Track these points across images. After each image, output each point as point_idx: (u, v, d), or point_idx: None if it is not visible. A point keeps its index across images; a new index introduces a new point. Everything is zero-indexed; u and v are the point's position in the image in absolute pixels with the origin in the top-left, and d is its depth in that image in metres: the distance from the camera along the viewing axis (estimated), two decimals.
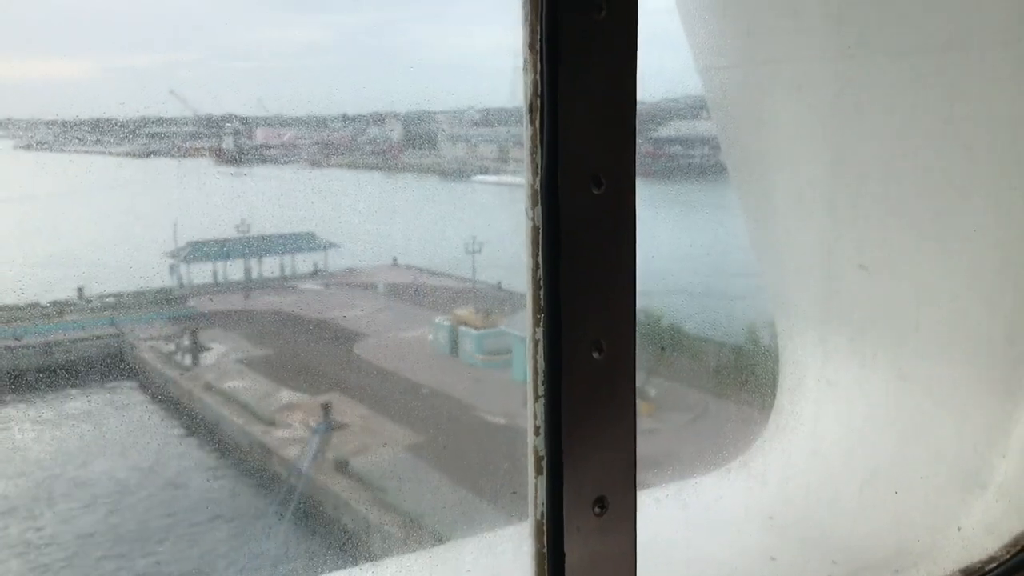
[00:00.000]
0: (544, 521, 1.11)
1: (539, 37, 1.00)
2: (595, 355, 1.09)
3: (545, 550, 1.11)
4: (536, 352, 1.08)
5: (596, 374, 1.09)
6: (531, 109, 1.04)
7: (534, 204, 1.06)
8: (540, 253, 1.07)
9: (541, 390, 1.08)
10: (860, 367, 1.96)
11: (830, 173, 1.90)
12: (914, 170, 1.79)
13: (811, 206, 1.95)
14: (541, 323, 1.07)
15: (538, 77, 1.02)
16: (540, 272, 1.07)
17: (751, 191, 2.09)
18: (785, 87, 1.89)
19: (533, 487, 1.11)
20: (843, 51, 1.77)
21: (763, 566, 1.79)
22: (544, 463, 1.10)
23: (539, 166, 1.04)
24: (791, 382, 2.09)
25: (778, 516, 1.94)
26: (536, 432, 1.09)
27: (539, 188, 1.04)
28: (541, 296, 1.07)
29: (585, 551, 1.11)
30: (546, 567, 1.12)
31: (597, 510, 1.11)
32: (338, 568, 1.65)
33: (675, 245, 10.59)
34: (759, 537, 1.87)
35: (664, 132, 11.30)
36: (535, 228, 1.07)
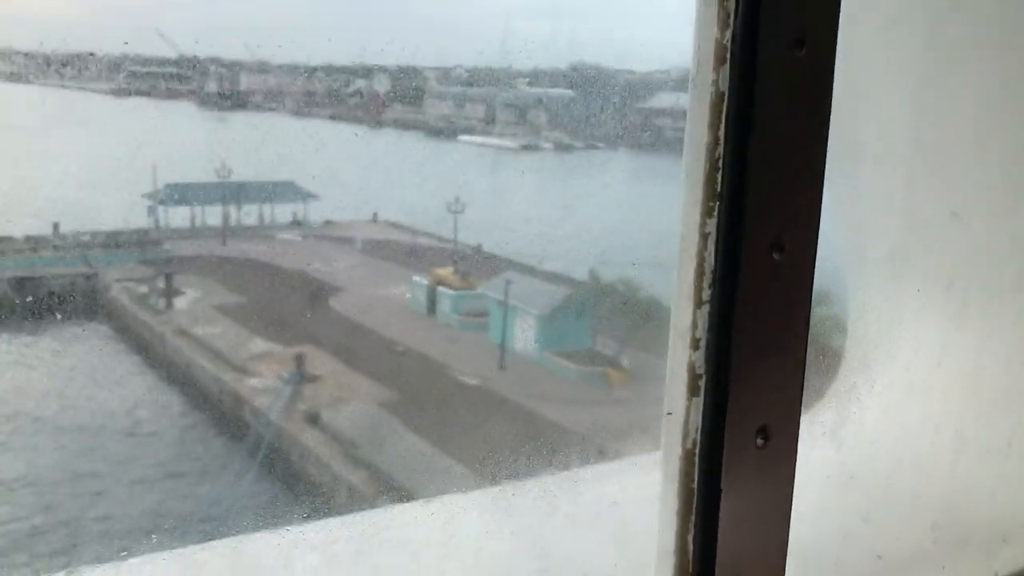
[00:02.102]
0: (697, 451, 0.93)
1: None
2: (775, 255, 0.89)
3: (695, 485, 0.94)
4: (704, 248, 0.89)
5: (774, 278, 0.90)
6: None
7: (720, 62, 0.86)
8: (724, 124, 0.87)
9: (706, 294, 0.90)
10: (945, 324, 1.79)
11: (919, 111, 1.70)
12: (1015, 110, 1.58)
13: (896, 147, 1.75)
14: (715, 212, 0.88)
15: None
16: (720, 149, 0.87)
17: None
18: (876, 20, 1.69)
19: (684, 411, 0.93)
20: None
21: (858, 527, 1.66)
22: (703, 383, 0.91)
23: (731, 15, 0.85)
24: (862, 340, 1.93)
25: (860, 476, 1.81)
26: (694, 345, 0.90)
27: (728, 43, 0.85)
28: (719, 179, 0.87)
29: (743, 487, 0.94)
30: (695, 504, 0.94)
31: (760, 441, 0.93)
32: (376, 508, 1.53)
33: (661, 218, 10.58)
34: (845, 497, 1.73)
35: (653, 103, 11.23)
36: (718, 93, 0.87)
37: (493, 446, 8.23)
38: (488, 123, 10.73)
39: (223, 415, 7.69)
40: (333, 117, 10.27)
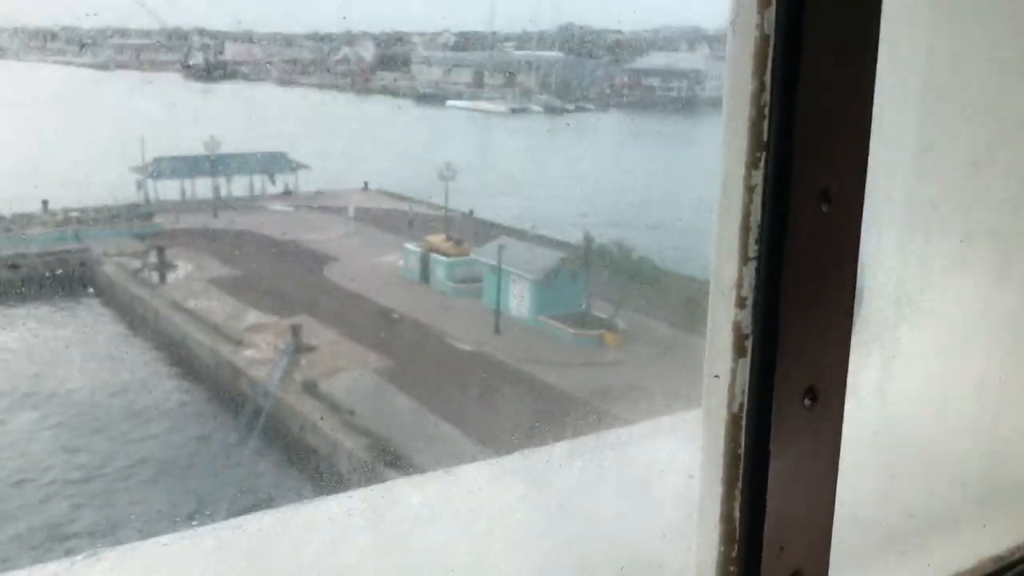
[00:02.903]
0: (744, 413, 0.88)
1: None
2: (823, 207, 0.84)
3: (742, 449, 0.89)
4: (750, 201, 0.83)
5: (822, 231, 0.84)
6: None
7: (765, 5, 0.79)
8: (770, 69, 0.81)
9: (752, 250, 0.84)
10: (963, 276, 1.74)
11: (934, 57, 1.63)
12: None
13: (912, 93, 1.69)
14: (761, 163, 0.82)
15: None
16: (766, 95, 0.81)
17: None
18: None
19: (730, 372, 0.88)
20: None
21: (886, 484, 1.61)
22: (750, 343, 0.86)
23: None
24: (878, 294, 1.87)
25: (883, 433, 1.74)
26: (740, 304, 0.85)
27: None
28: (764, 128, 0.81)
29: (791, 451, 0.89)
30: (742, 467, 0.89)
31: (807, 401, 0.89)
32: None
33: (653, 179, 10.58)
34: (869, 454, 1.66)
35: (642, 63, 11.16)
36: (763, 37, 0.80)
37: (490, 411, 8.27)
38: (477, 88, 10.67)
39: (220, 387, 7.69)
40: (320, 85, 10.19)
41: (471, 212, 10.66)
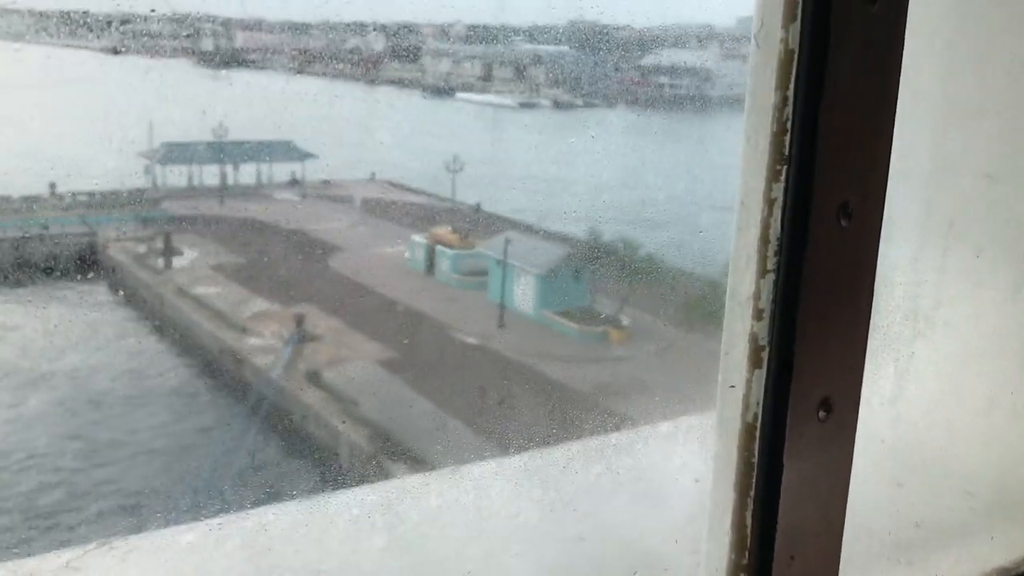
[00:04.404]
0: (758, 424, 0.89)
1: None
2: (843, 222, 0.85)
3: (755, 459, 0.90)
4: (770, 214, 0.84)
5: (841, 246, 0.86)
6: None
7: (790, 19, 0.80)
8: (793, 82, 0.82)
9: (771, 262, 0.85)
10: (978, 291, 1.74)
11: (953, 71, 1.62)
12: None
13: (928, 105, 1.68)
14: (782, 176, 0.83)
15: None
16: (789, 109, 0.82)
17: None
18: None
19: (746, 383, 0.90)
20: None
21: (891, 491, 1.62)
22: (766, 354, 0.87)
23: None
24: (893, 307, 1.87)
25: (890, 440, 1.76)
26: (757, 315, 0.86)
27: None
28: (787, 142, 0.83)
29: (804, 462, 0.90)
30: (755, 477, 0.90)
31: (822, 414, 0.90)
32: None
33: (658, 177, 10.54)
34: (876, 460, 1.67)
35: (652, 60, 11.12)
36: (787, 51, 0.81)
37: (493, 405, 8.27)
38: (486, 81, 10.65)
39: (223, 375, 7.71)
40: (330, 75, 10.16)
41: (478, 205, 10.65)
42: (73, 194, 7.25)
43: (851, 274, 0.87)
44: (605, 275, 10.09)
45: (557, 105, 10.53)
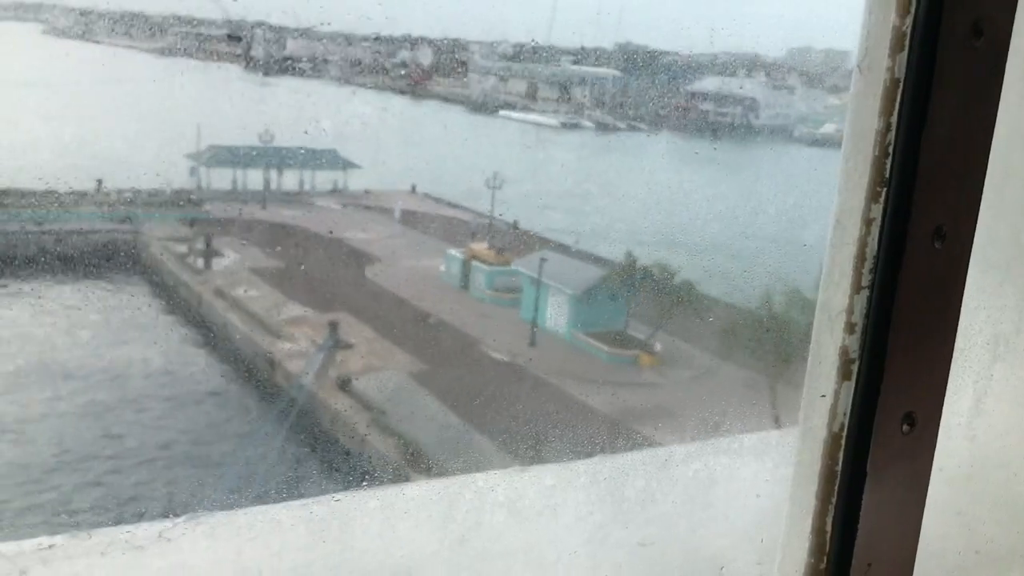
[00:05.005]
0: (844, 434, 0.93)
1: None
2: (936, 244, 0.89)
3: (839, 467, 0.94)
4: (867, 233, 0.89)
5: (934, 267, 0.90)
6: None
7: (898, 50, 0.84)
8: (897, 110, 0.86)
9: (866, 279, 0.89)
10: (1000, 310, 1.74)
11: None
12: None
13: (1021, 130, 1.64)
14: (882, 198, 0.87)
15: None
16: (892, 135, 0.87)
17: None
18: None
19: (834, 393, 0.93)
20: None
21: (953, 520, 1.63)
22: (856, 367, 0.91)
23: (912, 1, 0.85)
24: (976, 331, 1.85)
25: (947, 469, 1.73)
26: (849, 329, 0.91)
27: (908, 30, 0.84)
28: (888, 166, 0.87)
29: (886, 473, 0.94)
30: (837, 486, 0.94)
31: (905, 427, 0.93)
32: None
33: (699, 202, 10.49)
34: (935, 489, 1.68)
35: (698, 87, 11.10)
36: (893, 80, 0.85)
37: (519, 423, 8.26)
38: (530, 99, 10.69)
39: (256, 377, 7.78)
40: (377, 87, 10.27)
41: (515, 223, 10.67)
42: (119, 191, 7.38)
43: (941, 295, 0.91)
44: (639, 299, 10.05)
45: (600, 127, 10.54)
